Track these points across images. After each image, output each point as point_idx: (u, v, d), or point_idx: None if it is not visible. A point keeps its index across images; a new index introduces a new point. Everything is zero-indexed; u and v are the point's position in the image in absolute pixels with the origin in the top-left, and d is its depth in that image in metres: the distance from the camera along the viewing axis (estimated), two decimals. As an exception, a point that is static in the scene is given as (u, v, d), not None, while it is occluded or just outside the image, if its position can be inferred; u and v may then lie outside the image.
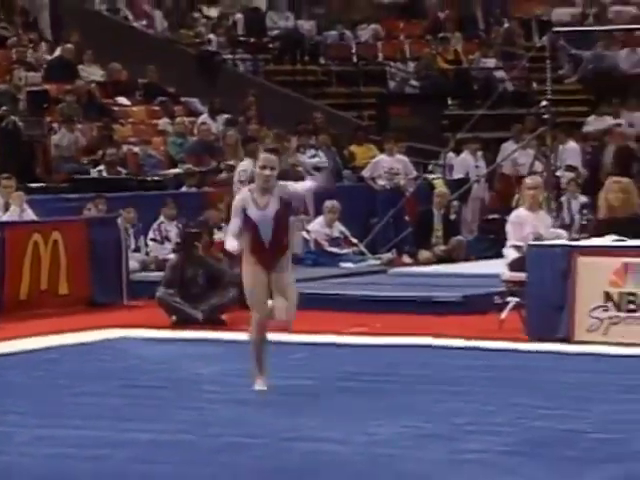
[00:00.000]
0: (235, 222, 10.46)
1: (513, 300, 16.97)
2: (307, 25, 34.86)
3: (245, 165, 23.49)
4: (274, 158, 10.40)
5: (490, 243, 23.22)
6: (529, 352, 15.22)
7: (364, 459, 9.21)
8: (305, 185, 12.19)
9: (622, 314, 15.51)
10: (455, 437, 10.09)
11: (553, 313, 15.88)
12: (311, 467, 8.99)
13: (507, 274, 17.54)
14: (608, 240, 16.68)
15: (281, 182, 10.67)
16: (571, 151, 27.51)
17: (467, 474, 8.91)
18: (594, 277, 15.79)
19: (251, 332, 11.08)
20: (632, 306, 15.59)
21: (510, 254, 17.53)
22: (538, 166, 25.73)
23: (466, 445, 9.86)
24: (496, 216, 25.62)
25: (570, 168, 26.23)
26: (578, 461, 9.36)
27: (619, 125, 30.45)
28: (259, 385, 11.16)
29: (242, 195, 10.50)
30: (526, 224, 17.57)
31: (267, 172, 10.12)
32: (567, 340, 15.58)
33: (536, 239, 17.16)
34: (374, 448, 9.60)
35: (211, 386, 12.97)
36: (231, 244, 10.40)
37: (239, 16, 34.87)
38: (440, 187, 26.17)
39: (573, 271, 15.80)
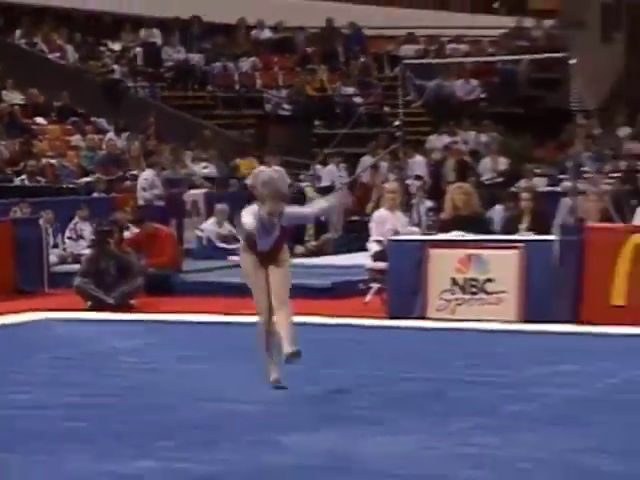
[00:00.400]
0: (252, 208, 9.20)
1: (375, 285, 17.38)
2: (196, 57, 34.97)
3: (146, 174, 24.19)
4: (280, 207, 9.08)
5: (353, 240, 23.19)
6: (390, 327, 15.58)
7: (262, 414, 9.62)
8: (321, 204, 10.65)
9: (466, 296, 15.92)
10: (334, 398, 10.45)
11: (409, 296, 16.19)
12: (216, 422, 9.31)
13: (370, 264, 17.91)
14: (453, 235, 17.26)
15: (287, 209, 9.41)
16: (418, 163, 28.13)
17: (350, 426, 9.23)
18: (443, 266, 16.21)
19: (261, 322, 9.86)
20: (474, 289, 16.01)
21: (373, 247, 17.89)
22: (391, 176, 25.90)
23: (348, 402, 10.37)
24: (357, 218, 25.73)
25: (418, 177, 26.51)
26: (442, 414, 9.76)
27: (456, 142, 31.01)
28: (274, 372, 9.92)
29: (254, 209, 9.16)
30: (386, 222, 17.94)
31: (274, 219, 9.04)
32: (421, 318, 15.86)
33: (394, 234, 17.55)
34: (271, 406, 9.95)
35: (127, 357, 13.11)
36: (248, 220, 9.15)
37: (139, 49, 34.92)
38: (310, 194, 26.01)
39: (425, 261, 16.21)
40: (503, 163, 28.71)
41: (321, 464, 8.05)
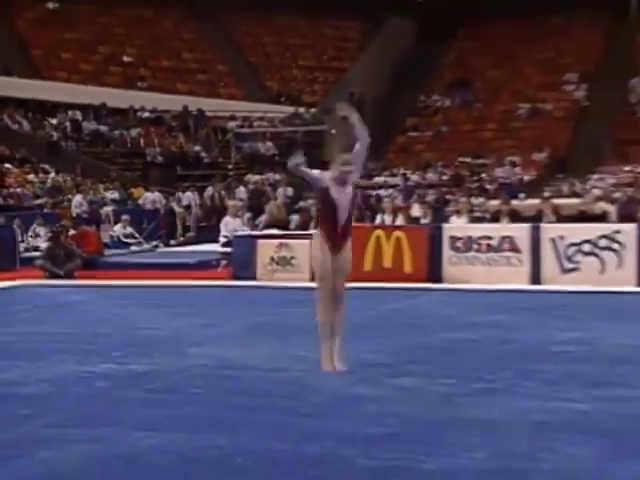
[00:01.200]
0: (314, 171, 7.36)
1: (223, 262, 18.62)
2: (104, 128, 34.90)
3: (77, 198, 26.43)
4: (350, 157, 7.25)
5: (203, 237, 24.72)
6: (236, 286, 16.13)
7: (170, 338, 10.08)
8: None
9: (279, 267, 16.64)
10: (199, 335, 10.31)
11: (245, 267, 16.83)
12: (145, 342, 9.83)
13: (221, 249, 19.25)
14: (271, 232, 18.53)
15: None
16: (241, 191, 29.26)
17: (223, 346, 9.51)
18: (265, 249, 16.78)
19: (323, 308, 7.50)
20: (284, 263, 16.65)
21: (222, 240, 19.14)
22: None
23: (220, 329, 10.85)
24: (205, 224, 27.07)
25: (241, 199, 26.26)
26: (311, 344, 9.01)
27: (262, 179, 31.90)
28: (335, 361, 7.65)
29: (325, 175, 7.28)
30: (229, 224, 19.35)
31: (347, 168, 7.11)
32: (253, 279, 16.49)
33: (236, 232, 18.66)
34: (178, 332, 10.45)
35: (80, 305, 13.51)
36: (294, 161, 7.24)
37: (68, 123, 34.71)
38: (176, 209, 27.90)
39: (255, 246, 16.94)
40: (290, 190, 29.69)
41: (212, 364, 8.44)
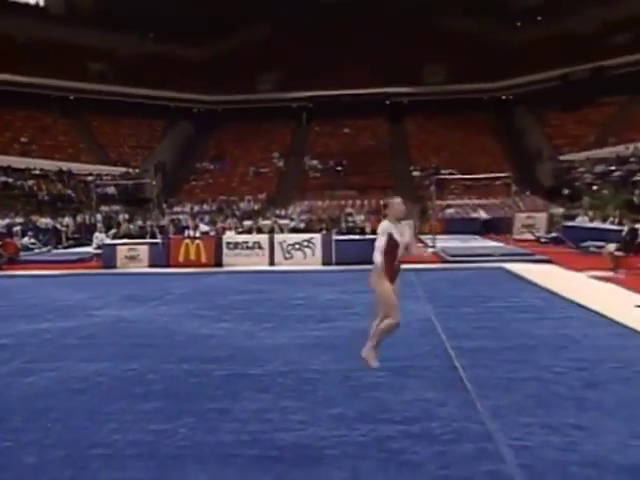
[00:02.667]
0: (383, 240, 4.97)
1: (97, 258, 15.86)
2: None
3: None
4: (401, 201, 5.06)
5: (79, 244, 22.20)
6: (106, 273, 13.93)
7: (79, 306, 8.82)
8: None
9: (130, 260, 14.77)
10: (95, 303, 9.06)
11: (110, 261, 14.79)
12: (67, 308, 8.58)
13: (94, 251, 16.58)
14: (123, 240, 15.92)
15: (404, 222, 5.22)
16: (98, 218, 25.76)
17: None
18: (121, 251, 14.86)
19: (386, 327, 5.02)
20: (132, 258, 14.77)
21: (94, 245, 16.69)
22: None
23: (106, 299, 9.73)
24: (78, 236, 24.13)
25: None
26: (166, 305, 9.03)
27: (111, 212, 29.27)
28: (373, 361, 5.16)
29: (386, 224, 5.05)
30: (99, 237, 16.95)
31: (402, 208, 5.04)
32: (114, 267, 14.71)
33: (102, 241, 16.29)
34: (81, 302, 9.15)
35: (13, 288, 11.41)
36: (378, 259, 4.90)
37: None
38: (61, 227, 24.46)
39: (115, 249, 15.01)
40: (127, 215, 26.50)
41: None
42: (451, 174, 31.30)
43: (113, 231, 20.31)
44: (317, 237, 15.12)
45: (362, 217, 26.62)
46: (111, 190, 33.58)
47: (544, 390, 4.43)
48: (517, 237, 21.15)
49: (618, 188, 25.45)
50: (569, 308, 7.48)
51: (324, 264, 14.37)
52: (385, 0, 37.59)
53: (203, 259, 14.87)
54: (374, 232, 16.70)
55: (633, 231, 12.60)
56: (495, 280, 10.61)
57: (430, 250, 17.53)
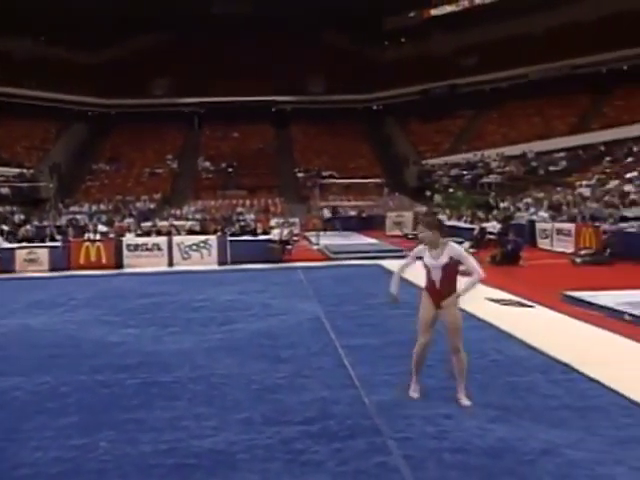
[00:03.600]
0: (405, 261, 4.64)
1: None
2: None
3: None
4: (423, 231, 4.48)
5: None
6: (5, 278, 12.97)
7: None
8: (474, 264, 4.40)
9: (30, 264, 13.97)
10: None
11: (9, 264, 13.95)
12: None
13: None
14: (23, 244, 14.89)
15: (453, 244, 4.47)
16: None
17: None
18: (20, 254, 14.08)
19: (416, 350, 4.54)
20: (31, 261, 13.99)
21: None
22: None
23: (9, 306, 9.37)
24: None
25: None
26: (72, 312, 8.60)
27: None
28: (413, 391, 4.56)
29: (420, 247, 4.55)
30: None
31: (420, 237, 4.46)
32: (15, 272, 13.81)
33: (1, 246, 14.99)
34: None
35: None
36: (394, 284, 4.64)
37: None
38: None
39: (14, 253, 14.21)
40: (22, 216, 24.56)
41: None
42: (331, 176, 32.07)
43: (6, 228, 18.90)
44: (213, 239, 15.03)
45: (252, 216, 26.62)
46: (5, 190, 31.08)
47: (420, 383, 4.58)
48: (389, 233, 22.19)
49: (469, 189, 26.87)
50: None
51: (220, 264, 14.30)
52: (271, 18, 37.83)
53: (104, 261, 14.39)
54: (265, 232, 16.86)
55: (482, 230, 13.57)
56: (373, 277, 11.01)
57: (315, 247, 18.04)
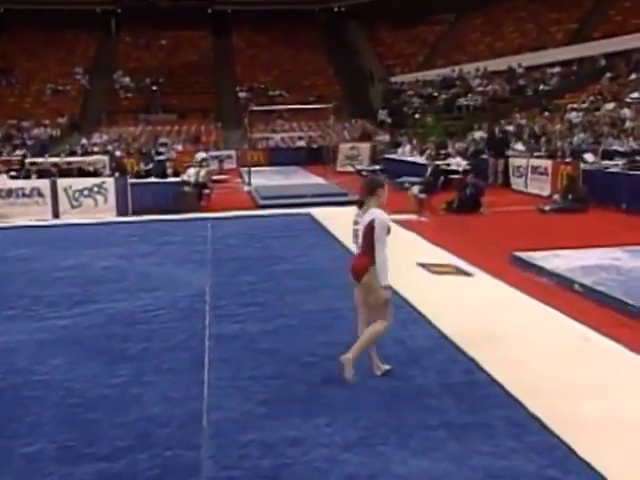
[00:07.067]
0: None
1: None
2: None
3: None
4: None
5: None
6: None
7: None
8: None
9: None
10: None
11: None
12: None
13: None
14: None
15: (374, 210, 4.40)
16: None
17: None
18: None
19: (384, 331, 4.57)
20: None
21: None
22: None
23: None
24: None
25: None
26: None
27: None
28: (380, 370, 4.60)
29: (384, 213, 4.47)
30: None
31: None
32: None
33: None
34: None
35: None
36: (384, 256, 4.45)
37: None
38: None
39: None
40: None
41: None
42: (280, 96, 31.26)
43: None
44: (110, 182, 14.46)
45: (180, 147, 26.00)
46: None
47: (277, 392, 4.33)
48: (340, 169, 21.86)
49: (441, 114, 26.75)
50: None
51: (119, 214, 13.83)
52: None
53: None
54: (177, 173, 15.92)
55: (436, 171, 13.19)
56: (295, 232, 10.68)
57: (246, 188, 17.76)
